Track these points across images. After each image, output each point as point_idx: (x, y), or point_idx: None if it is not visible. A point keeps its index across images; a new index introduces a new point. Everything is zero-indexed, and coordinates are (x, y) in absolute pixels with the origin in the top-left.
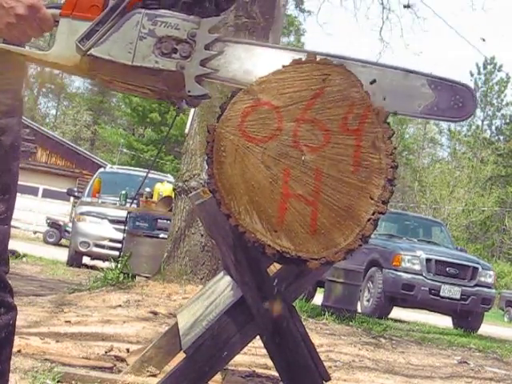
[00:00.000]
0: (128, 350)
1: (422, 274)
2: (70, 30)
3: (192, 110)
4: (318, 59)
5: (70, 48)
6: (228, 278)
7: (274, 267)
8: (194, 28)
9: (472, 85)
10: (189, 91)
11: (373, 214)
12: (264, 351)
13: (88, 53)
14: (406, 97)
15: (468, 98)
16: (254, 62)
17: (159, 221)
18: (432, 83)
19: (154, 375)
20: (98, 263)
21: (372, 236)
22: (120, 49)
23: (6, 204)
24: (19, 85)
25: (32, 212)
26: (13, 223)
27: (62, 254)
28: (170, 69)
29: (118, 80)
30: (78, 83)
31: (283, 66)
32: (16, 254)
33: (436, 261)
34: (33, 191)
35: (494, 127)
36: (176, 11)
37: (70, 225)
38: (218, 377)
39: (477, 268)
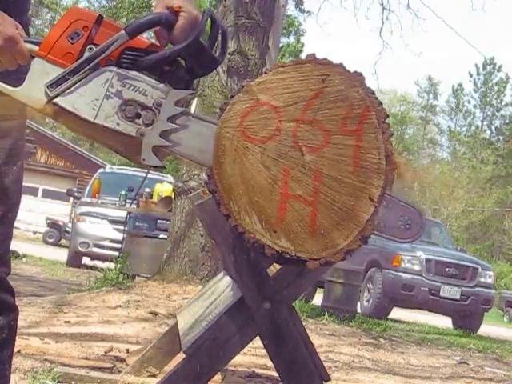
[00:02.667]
0: (128, 351)
1: (421, 275)
2: (42, 72)
3: (192, 110)
4: (318, 59)
5: (38, 90)
6: (228, 279)
7: (274, 267)
8: (161, 97)
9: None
10: (144, 159)
11: (372, 214)
12: (264, 351)
13: (53, 101)
14: None
15: (416, 222)
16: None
17: (159, 221)
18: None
19: (154, 375)
20: (98, 263)
21: (372, 236)
22: (85, 103)
23: (6, 206)
24: None
25: (32, 212)
26: None
27: (62, 255)
28: (129, 133)
29: (78, 130)
30: None
31: (283, 66)
32: (16, 255)
33: (436, 261)
34: (32, 191)
35: (493, 127)
36: (148, 74)
37: (70, 225)
38: (217, 377)
39: (476, 268)
